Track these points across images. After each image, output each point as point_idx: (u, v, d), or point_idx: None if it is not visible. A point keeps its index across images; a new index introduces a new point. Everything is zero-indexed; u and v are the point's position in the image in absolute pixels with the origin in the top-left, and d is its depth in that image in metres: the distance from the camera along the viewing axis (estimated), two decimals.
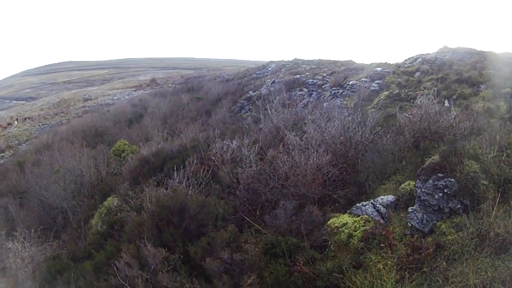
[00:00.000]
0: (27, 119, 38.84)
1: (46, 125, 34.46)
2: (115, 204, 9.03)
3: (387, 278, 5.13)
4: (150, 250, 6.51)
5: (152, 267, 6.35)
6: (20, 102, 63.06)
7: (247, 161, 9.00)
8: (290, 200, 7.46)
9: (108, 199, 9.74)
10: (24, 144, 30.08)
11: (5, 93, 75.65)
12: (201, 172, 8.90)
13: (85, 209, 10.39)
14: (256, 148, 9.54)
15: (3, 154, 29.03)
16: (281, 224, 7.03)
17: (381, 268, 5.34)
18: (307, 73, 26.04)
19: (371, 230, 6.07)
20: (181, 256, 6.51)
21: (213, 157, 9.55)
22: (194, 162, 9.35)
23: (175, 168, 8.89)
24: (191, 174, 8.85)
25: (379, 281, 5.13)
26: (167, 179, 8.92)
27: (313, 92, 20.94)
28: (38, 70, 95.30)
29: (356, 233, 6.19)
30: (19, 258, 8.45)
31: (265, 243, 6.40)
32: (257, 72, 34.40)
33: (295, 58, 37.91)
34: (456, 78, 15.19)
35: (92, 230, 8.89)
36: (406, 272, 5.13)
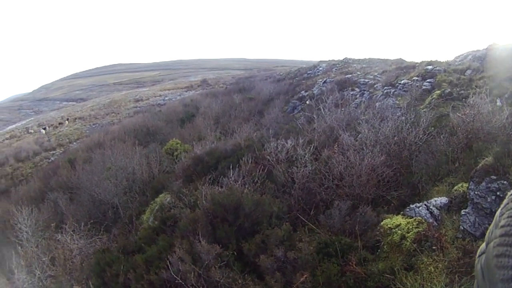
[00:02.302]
0: (77, 119, 41.10)
1: (97, 125, 36.33)
2: (167, 200, 9.37)
3: (437, 281, 5.11)
4: (204, 246, 6.73)
5: (205, 262, 6.56)
6: (70, 103, 66.92)
7: (302, 161, 9.11)
8: (345, 200, 7.52)
9: (160, 195, 10.12)
10: (75, 143, 31.90)
11: (55, 95, 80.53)
12: (256, 171, 9.07)
13: (136, 205, 10.85)
14: (311, 148, 9.64)
15: (54, 152, 30.97)
16: (335, 223, 7.13)
17: (432, 270, 5.33)
18: (358, 73, 25.96)
19: (424, 232, 6.06)
20: (235, 253, 6.70)
21: (268, 157, 9.74)
22: (249, 161, 9.55)
23: (230, 167, 9.13)
24: (246, 173, 9.04)
25: (429, 284, 5.12)
26: (221, 178, 9.17)
27: (365, 92, 20.83)
28: (88, 73, 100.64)
29: (409, 234, 6.19)
30: (68, 249, 8.91)
31: (318, 242, 6.53)
32: (308, 72, 34.58)
33: (345, 58, 37.71)
34: (507, 76, 14.54)
35: (144, 225, 9.26)
36: (456, 276, 5.08)
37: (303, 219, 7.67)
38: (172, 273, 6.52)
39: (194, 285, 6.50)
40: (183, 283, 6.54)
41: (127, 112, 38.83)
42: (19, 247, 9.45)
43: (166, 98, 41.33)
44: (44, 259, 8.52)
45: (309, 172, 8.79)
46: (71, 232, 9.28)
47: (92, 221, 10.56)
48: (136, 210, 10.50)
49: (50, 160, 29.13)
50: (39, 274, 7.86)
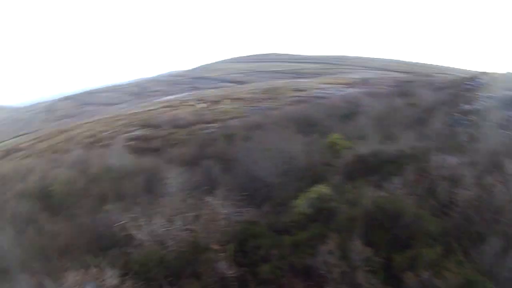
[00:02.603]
0: (236, 99, 43.42)
1: (256, 107, 37.97)
2: (326, 192, 9.45)
3: None
4: (357, 246, 6.71)
5: (353, 262, 6.53)
6: (229, 84, 71.18)
7: (466, 183, 8.56)
8: (499, 238, 6.93)
9: (318, 186, 10.24)
10: (233, 120, 33.89)
11: (215, 74, 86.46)
12: (420, 184, 8.70)
13: (291, 189, 11.15)
14: (476, 172, 9.12)
15: (210, 125, 33.32)
16: (484, 262, 6.64)
17: None
18: None
19: None
20: (384, 261, 6.55)
21: (431, 171, 9.34)
22: (412, 172, 9.20)
23: (393, 173, 8.89)
24: (409, 184, 8.72)
25: None
26: (383, 182, 8.97)
27: None
28: (246, 59, 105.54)
29: None
30: (215, 212, 9.47)
31: (464, 277, 6.14)
32: (468, 83, 31.58)
33: (509, 72, 33.25)
34: None
35: (296, 209, 9.48)
36: None
37: (456, 247, 7.16)
38: (317, 262, 6.63)
39: (336, 280, 6.52)
40: (326, 275, 6.60)
41: (287, 100, 39.70)
42: (162, 198, 10.39)
43: (327, 92, 41.41)
44: (188, 214, 9.15)
45: (470, 197, 8.22)
46: (221, 198, 9.88)
47: (244, 193, 11.14)
48: (291, 194, 10.77)
49: (206, 132, 31.22)
50: (179, 224, 8.54)
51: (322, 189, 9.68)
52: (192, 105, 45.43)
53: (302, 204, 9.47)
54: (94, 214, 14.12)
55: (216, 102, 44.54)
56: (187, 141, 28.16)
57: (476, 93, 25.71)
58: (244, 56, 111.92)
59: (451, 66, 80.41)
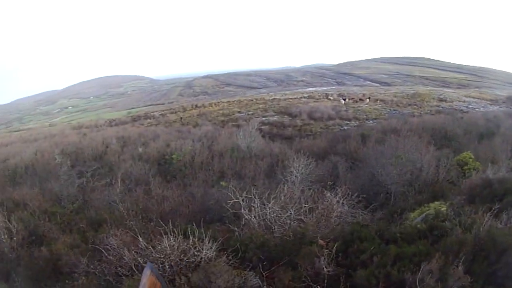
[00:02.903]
0: (379, 101, 42.05)
1: (396, 111, 36.35)
2: (443, 210, 8.82)
3: None
4: (458, 273, 6.17)
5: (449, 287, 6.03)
6: (374, 84, 68.87)
7: None
8: None
9: (436, 202, 9.57)
10: (371, 121, 32.90)
11: (361, 72, 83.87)
12: None
13: (410, 201, 10.58)
14: None
15: (348, 122, 32.79)
16: None
17: None
18: None
19: None
20: None
21: None
22: None
23: None
24: None
25: None
26: (503, 212, 7.99)
27: None
28: (394, 60, 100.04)
29: None
30: (330, 208, 9.27)
31: None
32: None
33: None
34: None
35: (409, 222, 9.01)
36: None
37: None
38: (416, 279, 6.27)
39: None
40: None
41: (429, 108, 37.35)
42: (284, 185, 10.20)
43: (470, 106, 37.81)
44: (303, 205, 9.03)
45: None
46: (340, 196, 9.64)
47: (363, 195, 10.71)
48: (409, 205, 10.25)
49: (342, 128, 30.84)
50: (290, 213, 8.44)
51: (440, 206, 9.01)
52: (333, 99, 45.42)
53: (414, 217, 8.98)
54: (208, 187, 14.73)
55: (358, 100, 43.95)
56: (320, 134, 28.20)
57: None
58: (393, 57, 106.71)
59: None
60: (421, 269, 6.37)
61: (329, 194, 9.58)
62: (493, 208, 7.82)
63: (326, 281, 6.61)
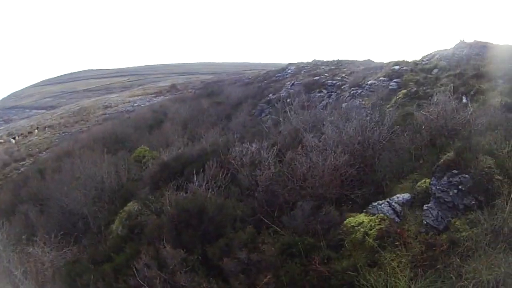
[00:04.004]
0: (47, 128, 39.96)
1: (66, 133, 35.39)
2: (135, 208, 9.36)
3: (401, 276, 5.24)
4: (169, 251, 6.81)
5: (171, 267, 6.64)
6: (40, 111, 64.82)
7: (266, 164, 9.16)
8: (308, 201, 7.64)
9: (129, 204, 10.08)
10: (44, 152, 31.01)
11: (25, 102, 77.78)
12: (221, 175, 9.14)
13: (105, 215, 10.74)
14: (275, 151, 9.72)
15: (23, 162, 30.00)
16: (298, 224, 7.23)
17: (395, 266, 5.48)
18: (326, 74, 26.23)
19: (386, 229, 6.23)
20: (199, 257, 6.79)
21: (232, 161, 9.78)
22: (214, 166, 9.60)
23: (194, 172, 9.15)
24: (210, 178, 9.10)
25: (393, 279, 5.24)
26: (187, 183, 9.19)
27: (332, 93, 21.09)
28: (58, 79, 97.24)
29: (371, 231, 6.34)
30: (40, 262, 8.78)
31: (282, 243, 6.65)
32: (276, 75, 34.55)
33: (314, 60, 37.87)
34: (473, 74, 15.01)
35: (113, 234, 9.25)
36: (420, 270, 5.25)
37: (267, 221, 7.70)
38: (139, 280, 6.57)
39: None
40: None
41: (96, 119, 38.05)
42: None
43: (135, 105, 40.68)
44: (16, 273, 8.38)
45: (272, 174, 8.86)
46: (42, 245, 9.17)
47: (62, 232, 10.36)
48: (105, 220, 10.42)
49: (20, 171, 28.16)
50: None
51: (131, 206, 9.58)
52: (4, 141, 40.40)
53: (117, 227, 9.26)
54: None
55: (27, 134, 40.29)
56: (3, 187, 24.97)
57: (283, 82, 27.86)
58: (55, 77, 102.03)
59: (263, 62, 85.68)
60: (138, 268, 6.64)
61: (31, 249, 9.11)
62: (177, 184, 8.93)
63: None
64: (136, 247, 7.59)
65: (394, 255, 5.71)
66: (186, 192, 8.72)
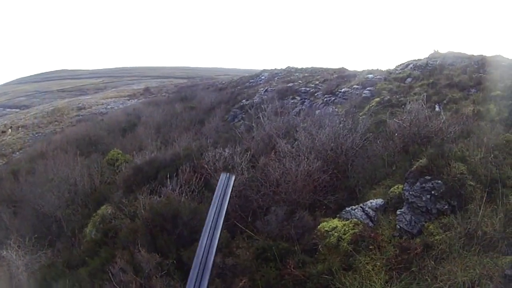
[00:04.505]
0: (20, 128, 38.59)
1: (40, 134, 34.29)
2: (109, 212, 9.17)
3: (376, 278, 5.28)
4: (144, 256, 6.70)
5: (146, 271, 6.53)
6: (14, 110, 62.54)
7: (239, 169, 9.11)
8: (281, 206, 7.63)
9: (102, 207, 9.85)
10: (18, 153, 29.95)
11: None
12: (194, 180, 9.06)
13: (79, 218, 10.46)
14: (248, 156, 9.66)
15: None
16: (272, 229, 7.21)
17: (370, 269, 5.49)
18: (300, 81, 26.37)
19: (359, 233, 6.23)
20: (175, 261, 6.69)
21: (205, 165, 9.65)
22: (187, 170, 9.52)
23: (168, 176, 9.05)
24: (184, 182, 9.01)
25: (368, 282, 5.28)
26: (160, 187, 9.08)
27: (306, 100, 21.18)
28: (33, 78, 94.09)
29: (345, 236, 6.34)
30: (14, 266, 8.50)
31: (256, 248, 6.58)
32: (250, 80, 34.51)
33: (288, 66, 38.08)
34: (446, 83, 15.39)
35: (87, 238, 9.03)
36: (395, 272, 5.26)
37: (241, 226, 7.67)
38: (115, 284, 6.44)
39: None
40: None
41: (70, 120, 37.06)
42: None
43: (109, 107, 39.92)
44: None
45: (245, 180, 8.81)
46: (17, 248, 8.83)
47: (36, 235, 9.98)
48: (79, 223, 10.15)
49: None
50: None
51: (104, 210, 9.38)
52: None
53: (90, 231, 9.05)
54: None
55: (1, 133, 38.86)
56: None
57: (257, 88, 27.78)
58: (30, 76, 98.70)
59: (237, 67, 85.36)
60: (113, 273, 6.51)
61: (5, 252, 8.63)
62: (147, 188, 8.81)
63: None
64: (111, 251, 7.42)
65: (368, 258, 5.72)
66: (160, 196, 8.61)
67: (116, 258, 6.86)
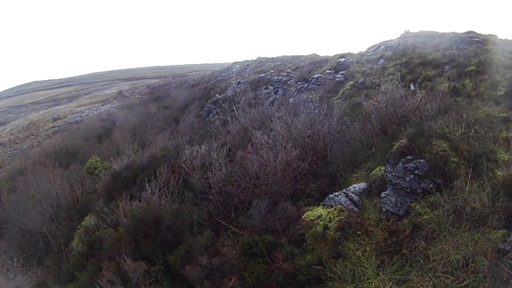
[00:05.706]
0: None
1: (17, 150, 33.03)
2: (92, 223, 8.81)
3: (367, 264, 5.11)
4: (130, 265, 6.43)
5: (134, 281, 6.27)
6: None
7: (217, 165, 8.79)
8: (263, 199, 7.38)
9: (86, 218, 9.44)
10: None
11: None
12: (173, 181, 8.76)
13: (64, 232, 10.02)
14: (225, 151, 9.36)
15: None
16: (256, 223, 6.97)
17: (361, 255, 5.31)
18: (272, 71, 25.95)
19: (345, 219, 6.03)
20: (162, 267, 6.45)
21: (183, 165, 9.32)
22: (165, 172, 9.20)
23: (146, 180, 8.70)
24: (162, 184, 8.69)
25: (360, 268, 5.10)
26: (140, 192, 8.74)
27: (279, 89, 20.77)
28: (4, 94, 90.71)
29: (331, 224, 6.14)
30: None
31: (242, 244, 6.32)
32: (222, 74, 33.86)
33: (259, 57, 37.59)
34: (420, 62, 15.19)
35: (74, 252, 8.65)
36: (386, 256, 5.11)
37: (224, 223, 7.40)
38: None
39: None
40: None
41: (46, 133, 35.77)
42: None
43: (83, 114, 38.73)
44: None
45: (224, 175, 8.50)
46: (5, 271, 8.48)
47: (24, 255, 9.49)
48: (65, 237, 9.72)
49: None
50: None
51: (88, 221, 9.00)
52: None
53: (77, 244, 8.67)
54: None
55: None
56: None
57: (229, 82, 27.11)
58: (2, 92, 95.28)
59: (208, 62, 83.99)
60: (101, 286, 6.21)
61: None
62: (127, 193, 8.47)
63: None
64: (97, 263, 7.11)
65: (357, 244, 5.54)
66: (140, 201, 8.28)
67: (103, 270, 6.59)
